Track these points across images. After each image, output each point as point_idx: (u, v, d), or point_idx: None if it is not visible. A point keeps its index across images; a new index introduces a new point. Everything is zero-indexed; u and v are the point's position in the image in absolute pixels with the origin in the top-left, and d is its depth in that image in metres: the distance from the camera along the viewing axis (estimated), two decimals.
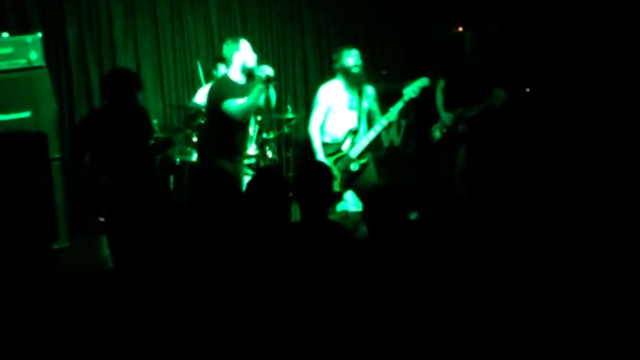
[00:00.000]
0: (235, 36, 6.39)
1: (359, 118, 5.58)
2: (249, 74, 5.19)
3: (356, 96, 5.58)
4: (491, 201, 5.40)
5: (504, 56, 5.85)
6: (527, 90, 5.68)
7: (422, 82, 5.54)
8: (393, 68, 5.49)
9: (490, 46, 5.88)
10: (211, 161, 5.19)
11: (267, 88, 5.14)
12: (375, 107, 5.67)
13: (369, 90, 5.67)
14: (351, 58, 5.51)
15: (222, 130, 5.22)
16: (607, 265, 3.77)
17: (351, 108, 5.58)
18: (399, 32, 7.75)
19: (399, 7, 7.70)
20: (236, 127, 5.25)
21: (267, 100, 5.29)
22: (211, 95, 5.27)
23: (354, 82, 5.54)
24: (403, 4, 7.66)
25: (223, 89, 5.18)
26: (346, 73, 5.54)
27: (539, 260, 3.56)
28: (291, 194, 3.46)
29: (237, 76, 5.22)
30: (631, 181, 5.71)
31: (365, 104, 5.61)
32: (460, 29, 6.49)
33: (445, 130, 5.92)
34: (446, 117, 5.90)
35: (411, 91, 5.50)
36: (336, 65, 5.60)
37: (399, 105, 5.50)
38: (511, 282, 3.21)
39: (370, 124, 5.61)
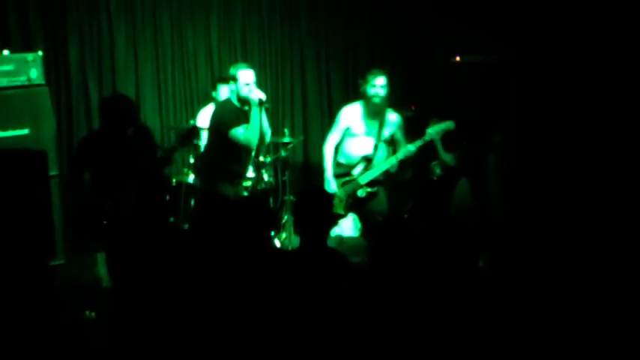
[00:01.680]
0: (236, 61, 6.46)
1: (375, 146, 5.47)
2: (243, 101, 5.23)
3: (375, 123, 5.46)
4: (493, 229, 5.42)
5: (499, 93, 5.92)
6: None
7: (447, 125, 5.46)
8: (395, 94, 5.59)
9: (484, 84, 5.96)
10: (212, 184, 5.22)
11: (261, 111, 5.18)
12: (399, 135, 5.55)
13: (393, 117, 5.54)
14: (373, 88, 5.38)
15: (226, 154, 5.26)
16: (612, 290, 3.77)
17: (368, 134, 5.47)
18: (400, 59, 7.80)
19: (401, 34, 7.74)
20: (241, 151, 5.29)
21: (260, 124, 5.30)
22: (217, 121, 5.30)
23: (373, 111, 5.44)
24: (405, 30, 7.71)
25: (229, 116, 5.21)
26: (366, 100, 5.44)
27: (541, 287, 3.58)
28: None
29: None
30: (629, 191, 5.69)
31: (386, 132, 5.49)
32: (458, 59, 6.55)
33: (445, 168, 5.88)
34: (448, 158, 5.82)
35: (434, 132, 5.43)
36: (361, 89, 5.49)
37: (418, 143, 5.42)
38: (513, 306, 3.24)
39: (394, 151, 5.51)
